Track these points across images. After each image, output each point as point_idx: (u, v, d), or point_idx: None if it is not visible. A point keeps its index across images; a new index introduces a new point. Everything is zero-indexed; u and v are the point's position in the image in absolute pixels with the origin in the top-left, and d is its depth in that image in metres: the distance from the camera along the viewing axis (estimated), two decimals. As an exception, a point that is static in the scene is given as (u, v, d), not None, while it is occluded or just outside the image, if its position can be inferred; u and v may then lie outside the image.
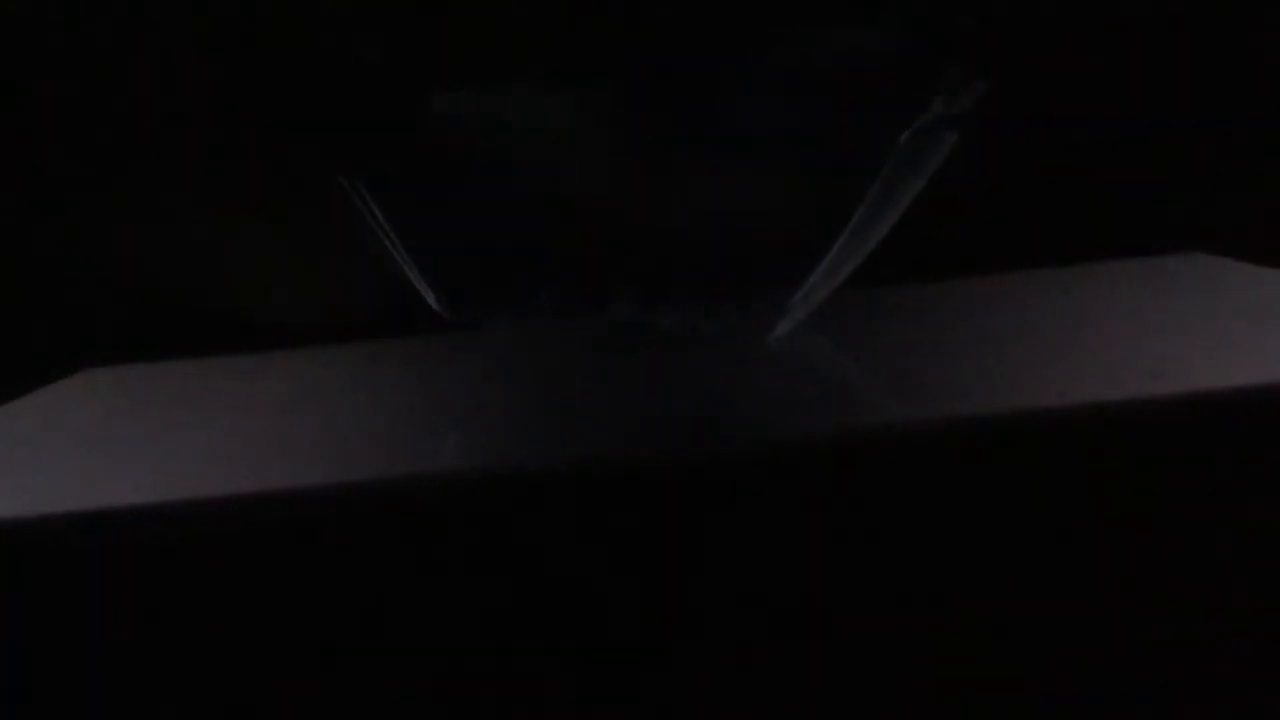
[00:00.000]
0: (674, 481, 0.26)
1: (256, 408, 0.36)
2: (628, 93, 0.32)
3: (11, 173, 0.44)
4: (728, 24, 0.33)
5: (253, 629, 0.26)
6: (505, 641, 0.26)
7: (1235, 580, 0.27)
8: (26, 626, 0.26)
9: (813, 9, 0.33)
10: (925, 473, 0.26)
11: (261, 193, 0.45)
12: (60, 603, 0.26)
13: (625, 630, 0.26)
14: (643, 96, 0.32)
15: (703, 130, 0.32)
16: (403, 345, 0.43)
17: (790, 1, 0.33)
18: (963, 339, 0.35)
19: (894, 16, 0.33)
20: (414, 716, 0.26)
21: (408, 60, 0.34)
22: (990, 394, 0.29)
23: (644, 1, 0.33)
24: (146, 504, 0.26)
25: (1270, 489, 0.26)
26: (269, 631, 0.26)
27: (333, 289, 0.45)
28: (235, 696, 0.26)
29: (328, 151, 0.35)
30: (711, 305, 0.35)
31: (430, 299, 0.36)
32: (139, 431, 0.34)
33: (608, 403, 0.32)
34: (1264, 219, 0.44)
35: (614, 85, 0.32)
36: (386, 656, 0.26)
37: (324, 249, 0.45)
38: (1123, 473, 0.26)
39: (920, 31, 0.33)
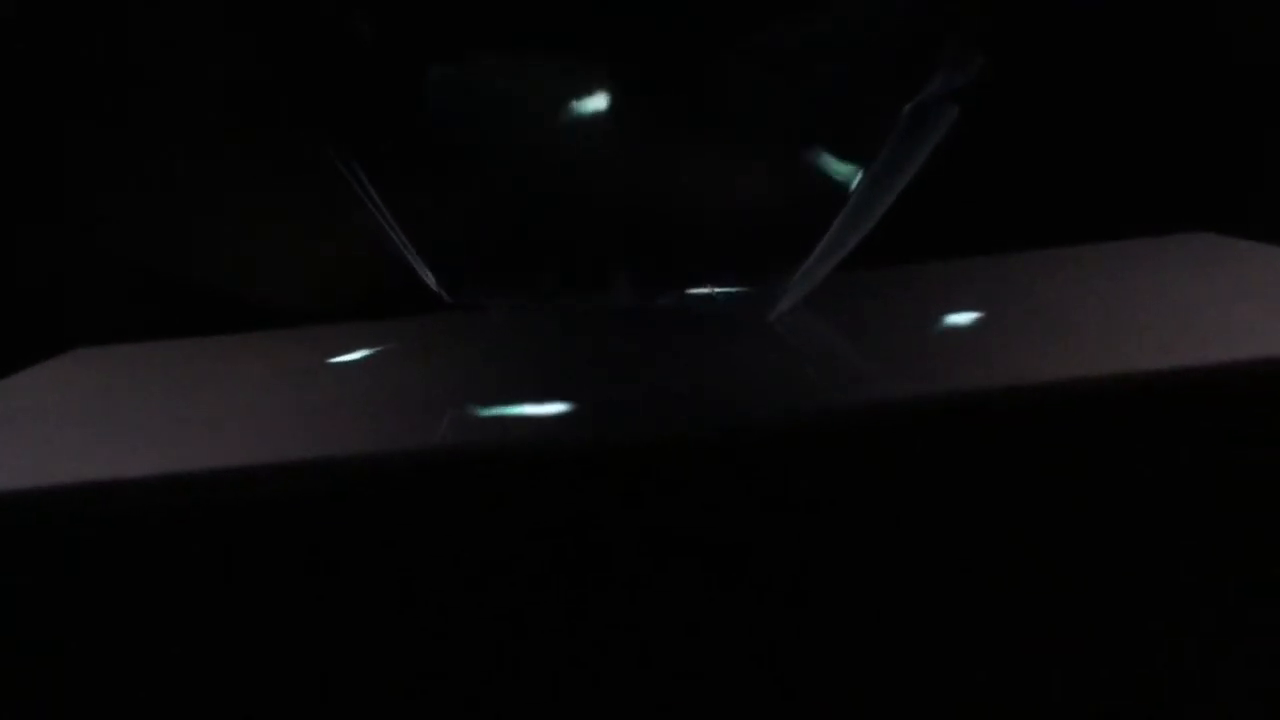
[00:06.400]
0: (673, 460, 0.26)
1: (249, 386, 0.35)
2: (626, 70, 0.32)
3: (4, 153, 0.44)
4: (727, 1, 0.32)
5: (241, 604, 0.26)
6: (503, 619, 0.26)
7: (1242, 556, 0.27)
8: (14, 598, 0.26)
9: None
10: (927, 450, 0.26)
11: (257, 173, 0.44)
12: (47, 575, 0.26)
13: (626, 608, 0.26)
14: (641, 74, 0.32)
15: (702, 108, 0.32)
16: (400, 325, 0.43)
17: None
18: (967, 318, 0.35)
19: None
20: (406, 692, 0.26)
21: (402, 38, 0.33)
22: (994, 371, 0.29)
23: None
24: (134, 478, 0.26)
25: (1275, 457, 0.26)
26: (258, 606, 0.26)
27: (331, 270, 0.45)
28: (226, 670, 0.26)
29: (323, 132, 0.35)
30: (712, 283, 0.34)
31: (430, 280, 0.36)
32: (130, 409, 0.34)
33: (607, 382, 0.32)
34: (1273, 198, 0.44)
35: (613, 63, 0.32)
36: (379, 632, 0.26)
37: (322, 230, 0.45)
38: (1129, 448, 0.26)
39: (921, 4, 0.33)
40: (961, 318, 0.35)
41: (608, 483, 0.26)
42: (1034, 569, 0.26)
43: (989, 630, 0.27)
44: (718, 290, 0.34)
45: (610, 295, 0.34)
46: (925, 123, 0.32)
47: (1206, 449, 0.26)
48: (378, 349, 0.39)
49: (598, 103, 0.32)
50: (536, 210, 0.33)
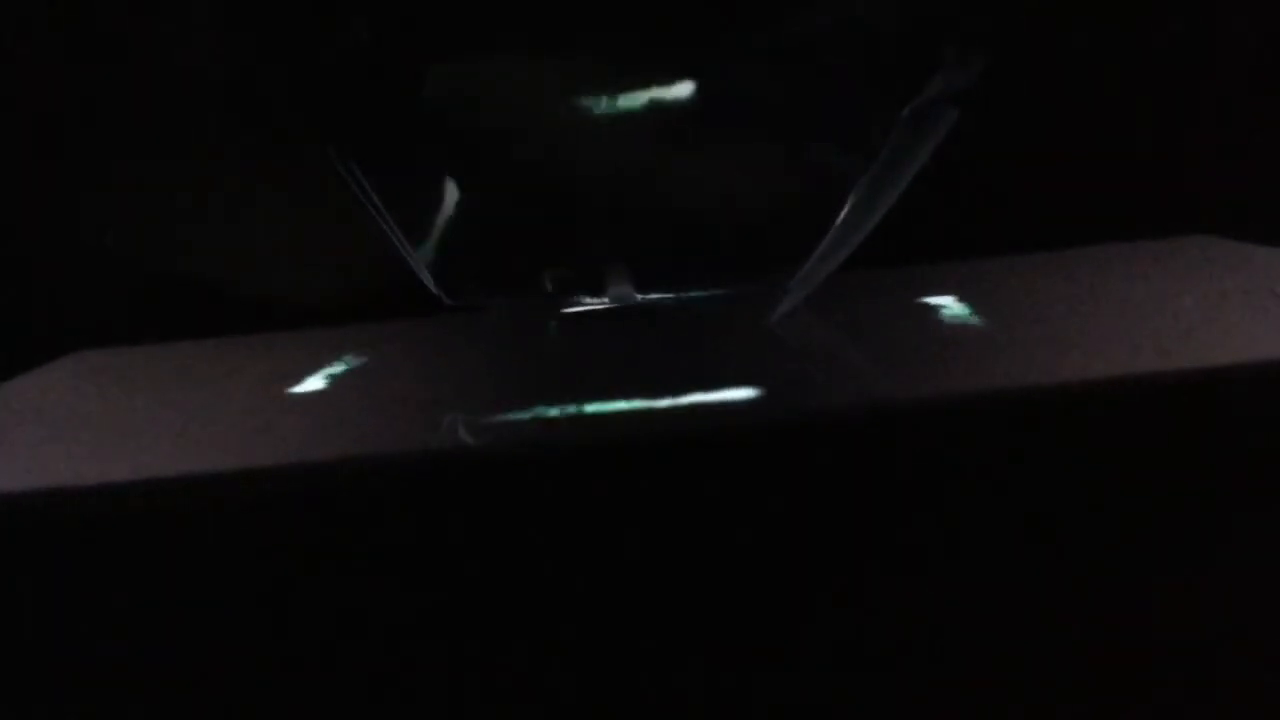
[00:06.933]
0: (673, 461, 0.26)
1: (251, 388, 0.35)
2: (626, 70, 0.32)
3: (6, 155, 0.44)
4: (726, 1, 0.32)
5: (242, 605, 0.26)
6: (500, 620, 0.26)
7: (1242, 558, 0.26)
8: (16, 601, 0.26)
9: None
10: (928, 452, 0.26)
11: (258, 175, 0.44)
12: (51, 578, 0.26)
13: (624, 610, 0.26)
14: (641, 74, 0.32)
15: (701, 108, 0.32)
16: (398, 327, 0.43)
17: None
18: (967, 320, 0.35)
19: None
20: (408, 698, 0.26)
21: (401, 39, 0.33)
22: (994, 374, 0.29)
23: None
24: (137, 480, 0.26)
25: (1277, 459, 0.26)
26: (260, 608, 0.26)
27: (331, 273, 0.45)
28: (223, 671, 0.26)
29: (323, 133, 0.35)
30: (711, 285, 0.34)
31: (428, 282, 0.36)
32: (134, 411, 0.34)
33: (606, 384, 0.32)
34: (1272, 200, 0.44)
35: (611, 63, 0.32)
36: (377, 636, 0.26)
37: (322, 232, 0.45)
38: (1128, 451, 0.26)
39: (919, 5, 0.33)
40: (961, 320, 0.35)
41: (607, 484, 0.26)
42: (1033, 570, 0.26)
43: (989, 631, 0.27)
44: (717, 292, 0.34)
45: (609, 296, 0.34)
46: (925, 125, 0.32)
47: (1206, 452, 0.26)
48: (378, 351, 0.39)
49: (596, 103, 0.32)
50: (536, 212, 0.33)
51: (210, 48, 0.43)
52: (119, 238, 0.39)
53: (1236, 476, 0.26)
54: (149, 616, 0.26)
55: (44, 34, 0.43)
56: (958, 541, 0.26)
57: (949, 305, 0.37)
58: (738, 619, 0.26)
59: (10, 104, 0.44)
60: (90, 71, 0.43)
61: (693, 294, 0.34)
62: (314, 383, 0.35)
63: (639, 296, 0.34)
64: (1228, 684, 0.27)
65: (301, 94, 0.38)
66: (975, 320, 0.35)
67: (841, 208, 0.32)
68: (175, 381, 0.38)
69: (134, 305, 0.45)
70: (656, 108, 0.32)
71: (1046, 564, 0.26)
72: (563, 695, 0.26)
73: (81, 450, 0.30)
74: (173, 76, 0.43)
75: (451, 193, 0.34)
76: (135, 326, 0.44)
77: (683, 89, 0.31)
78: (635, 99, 0.32)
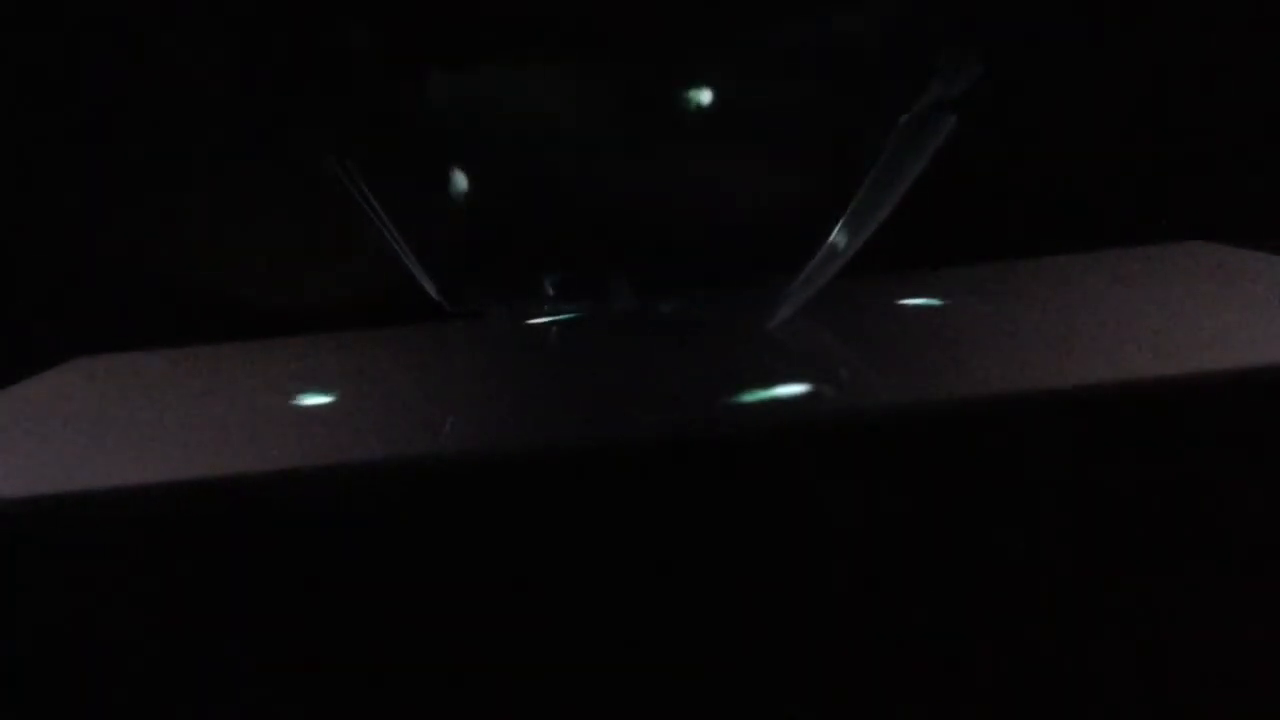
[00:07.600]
0: (674, 464, 0.26)
1: (250, 394, 0.35)
2: (626, 78, 0.32)
3: (6, 163, 0.44)
4: (725, 7, 0.32)
5: (244, 607, 0.26)
6: (504, 619, 0.26)
7: (1240, 558, 0.27)
8: (17, 603, 0.26)
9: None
10: (926, 456, 0.26)
11: (260, 184, 0.45)
12: (51, 581, 0.26)
13: (626, 607, 0.26)
14: (640, 81, 0.32)
15: (702, 117, 0.32)
16: (401, 333, 0.43)
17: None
18: (963, 325, 0.35)
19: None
20: (409, 697, 0.26)
21: (402, 46, 0.33)
22: (991, 378, 0.29)
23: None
24: (136, 486, 0.26)
25: (1270, 463, 0.26)
26: (262, 610, 0.26)
27: (332, 280, 0.45)
28: (223, 671, 0.26)
29: (325, 142, 0.35)
30: (711, 291, 0.34)
31: (430, 288, 0.36)
32: (132, 417, 0.34)
33: (608, 388, 0.32)
34: (1266, 206, 0.44)
35: (613, 70, 0.32)
36: (381, 635, 0.26)
37: (324, 240, 0.45)
38: (1125, 452, 0.26)
39: (917, 14, 0.33)
40: (960, 325, 0.35)
41: (608, 489, 0.26)
42: (1028, 571, 0.26)
43: (989, 630, 0.27)
44: (718, 297, 0.34)
45: (610, 302, 0.34)
46: (923, 132, 0.32)
47: (1203, 454, 0.26)
48: (379, 357, 0.39)
49: (598, 110, 0.32)
50: (536, 218, 0.33)
51: (213, 55, 0.43)
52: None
53: (1232, 478, 0.26)
54: (150, 618, 0.26)
55: (45, 40, 0.43)
56: (956, 542, 0.26)
57: (947, 311, 0.37)
58: (738, 618, 0.26)
59: (12, 110, 0.44)
60: (92, 77, 0.44)
61: (692, 299, 0.35)
62: (316, 388, 0.35)
63: (639, 303, 0.34)
64: (1227, 684, 0.27)
65: (303, 101, 0.39)
66: (974, 326, 0.35)
67: (841, 214, 0.32)
68: (177, 387, 0.38)
69: (135, 311, 0.45)
70: (657, 114, 0.32)
71: (1045, 564, 0.26)
72: (563, 693, 0.26)
73: (82, 455, 0.30)
74: (175, 84, 0.44)
75: (453, 199, 0.34)
76: (136, 332, 0.44)
77: (684, 96, 0.32)
78: (636, 105, 0.32)
